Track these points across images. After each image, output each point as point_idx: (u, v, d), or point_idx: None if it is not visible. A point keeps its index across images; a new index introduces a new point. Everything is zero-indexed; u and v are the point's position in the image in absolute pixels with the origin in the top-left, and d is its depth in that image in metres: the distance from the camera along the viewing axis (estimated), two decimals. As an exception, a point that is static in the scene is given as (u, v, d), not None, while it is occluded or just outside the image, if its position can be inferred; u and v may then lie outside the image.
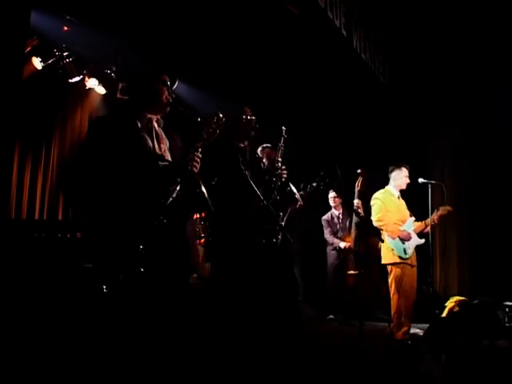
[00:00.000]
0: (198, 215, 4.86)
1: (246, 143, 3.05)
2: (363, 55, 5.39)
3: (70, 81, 5.02)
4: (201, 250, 4.90)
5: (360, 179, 4.97)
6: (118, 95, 4.99)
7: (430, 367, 3.15)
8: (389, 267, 4.27)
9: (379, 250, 4.43)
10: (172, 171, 2.20)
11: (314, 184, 3.61)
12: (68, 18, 4.46)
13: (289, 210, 3.22)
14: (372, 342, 3.94)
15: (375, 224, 4.34)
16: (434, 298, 4.44)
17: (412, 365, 3.33)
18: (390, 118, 6.32)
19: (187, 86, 5.28)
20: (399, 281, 4.14)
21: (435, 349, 3.25)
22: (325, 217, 5.94)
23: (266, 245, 2.83)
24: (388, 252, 4.27)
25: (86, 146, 2.29)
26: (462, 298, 4.14)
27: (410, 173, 4.46)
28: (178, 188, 2.20)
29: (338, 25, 4.77)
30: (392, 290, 4.20)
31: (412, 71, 6.23)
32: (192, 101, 5.12)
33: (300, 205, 3.32)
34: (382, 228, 4.30)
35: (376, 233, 4.35)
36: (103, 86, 5.23)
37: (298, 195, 3.27)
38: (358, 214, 4.76)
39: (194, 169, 2.21)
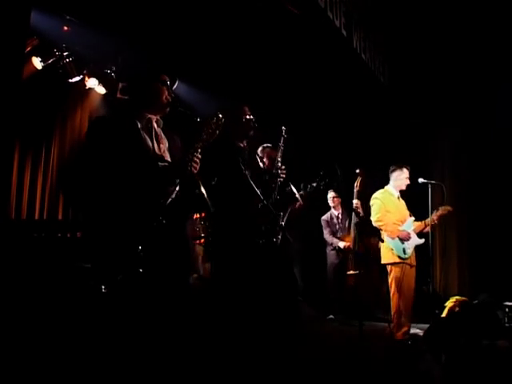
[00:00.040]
0: (198, 215, 4.86)
1: (244, 143, 3.05)
2: (363, 55, 5.39)
3: (70, 81, 5.02)
4: (201, 249, 4.90)
5: (359, 179, 4.97)
6: (118, 95, 4.99)
7: (430, 367, 3.15)
8: (388, 267, 4.28)
9: (379, 249, 4.43)
10: (171, 172, 2.20)
11: (314, 184, 3.61)
12: (68, 17, 4.46)
13: (289, 209, 3.22)
14: (372, 341, 3.94)
15: (374, 224, 4.34)
16: (434, 298, 4.44)
17: (412, 365, 3.33)
18: (390, 118, 6.32)
19: (187, 86, 5.27)
20: (399, 281, 4.15)
21: (435, 349, 3.25)
22: (324, 217, 5.94)
23: (265, 245, 2.83)
24: (387, 252, 4.27)
25: (86, 146, 2.29)
26: (462, 298, 4.14)
27: (410, 173, 4.47)
28: (177, 188, 2.20)
29: (338, 25, 4.77)
30: (392, 289, 4.20)
31: (412, 71, 6.23)
32: (192, 101, 5.11)
33: (300, 205, 3.32)
34: (382, 228, 4.30)
35: (375, 233, 4.35)
36: (103, 86, 5.23)
37: (297, 195, 3.27)
38: (357, 214, 4.76)
39: (194, 169, 2.20)
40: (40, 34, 4.47)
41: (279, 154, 3.12)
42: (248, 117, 2.99)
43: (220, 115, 2.31)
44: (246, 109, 3.02)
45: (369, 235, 5.10)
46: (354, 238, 5.20)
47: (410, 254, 4.25)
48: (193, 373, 2.25)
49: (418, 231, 4.36)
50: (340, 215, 5.91)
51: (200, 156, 2.24)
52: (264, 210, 2.77)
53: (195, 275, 4.58)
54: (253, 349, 2.60)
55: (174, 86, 2.41)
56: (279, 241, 2.90)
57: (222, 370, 2.43)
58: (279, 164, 3.09)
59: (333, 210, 5.95)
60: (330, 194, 5.90)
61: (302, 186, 3.83)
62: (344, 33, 4.89)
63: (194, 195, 2.20)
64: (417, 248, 4.36)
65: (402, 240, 4.24)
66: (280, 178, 3.04)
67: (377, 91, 6.00)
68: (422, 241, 4.35)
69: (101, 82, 5.17)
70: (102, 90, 5.28)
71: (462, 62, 6.01)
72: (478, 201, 6.09)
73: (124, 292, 1.97)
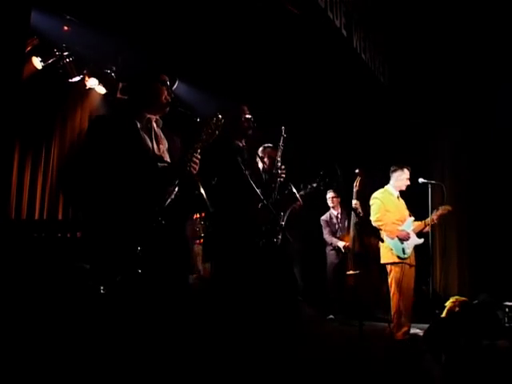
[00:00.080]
0: (198, 215, 4.87)
1: (243, 142, 3.05)
2: (363, 55, 5.39)
3: (70, 80, 5.02)
4: (200, 249, 4.90)
5: (358, 179, 4.97)
6: (118, 95, 4.99)
7: (430, 367, 3.15)
8: (388, 267, 4.28)
9: (379, 249, 4.44)
10: (170, 172, 2.19)
11: (314, 184, 3.61)
12: (68, 17, 4.46)
13: (289, 210, 3.22)
14: (372, 341, 3.94)
15: (374, 224, 4.34)
16: (434, 297, 4.43)
17: (412, 365, 3.33)
18: (390, 118, 6.32)
19: (187, 86, 5.27)
20: (399, 280, 4.15)
21: (435, 349, 3.25)
22: (323, 217, 5.94)
23: (266, 245, 2.83)
24: (387, 252, 4.28)
25: (86, 146, 2.28)
26: (462, 298, 4.14)
27: (410, 173, 4.47)
28: (176, 189, 2.19)
29: (338, 25, 4.77)
30: (392, 289, 4.20)
31: (412, 71, 6.23)
32: (192, 101, 5.11)
33: (300, 205, 3.32)
34: (381, 228, 4.30)
35: (375, 233, 4.35)
36: (103, 86, 5.23)
37: (298, 195, 3.27)
38: (357, 214, 4.76)
39: (193, 170, 2.19)
40: (40, 34, 4.47)
41: (279, 154, 3.12)
42: (247, 116, 2.99)
43: (220, 116, 2.30)
44: (245, 108, 3.02)
45: (368, 235, 5.10)
46: (354, 237, 5.20)
47: (409, 254, 4.25)
48: (193, 373, 2.25)
49: (417, 231, 4.36)
50: (339, 215, 5.91)
51: (199, 156, 2.24)
52: (264, 210, 2.77)
53: (195, 275, 4.58)
54: (253, 349, 2.60)
55: (174, 86, 2.41)
56: (279, 241, 2.90)
57: (222, 371, 2.43)
58: (279, 164, 3.09)
59: (332, 209, 5.96)
60: (329, 194, 5.90)
61: (301, 185, 3.83)
62: (344, 33, 4.89)
63: (193, 196, 2.19)
64: (417, 248, 4.36)
65: (402, 240, 4.25)
66: (280, 177, 3.04)
67: (377, 91, 6.00)
68: (421, 241, 4.35)
69: (101, 81, 5.17)
70: (102, 90, 5.28)
71: (461, 62, 6.01)
72: (478, 201, 6.09)
73: (123, 293, 1.97)
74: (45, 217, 5.12)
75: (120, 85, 4.99)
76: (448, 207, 4.34)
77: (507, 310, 4.44)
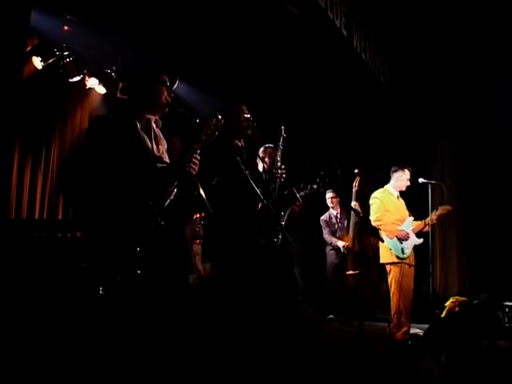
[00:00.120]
0: (198, 215, 4.87)
1: (242, 142, 3.04)
2: (363, 55, 5.39)
3: (70, 80, 5.02)
4: (199, 249, 4.90)
5: (357, 179, 4.97)
6: (118, 95, 4.99)
7: (430, 367, 3.15)
8: (388, 267, 4.28)
9: (378, 249, 4.44)
10: (170, 173, 2.18)
11: (315, 186, 3.60)
12: (68, 17, 4.46)
13: (289, 209, 3.22)
14: (372, 341, 3.94)
15: (373, 223, 4.34)
16: (434, 297, 4.43)
17: (412, 365, 3.33)
18: (390, 118, 6.32)
19: (187, 86, 5.27)
20: (399, 280, 4.15)
21: (435, 349, 3.25)
22: (323, 217, 5.95)
23: (266, 245, 2.83)
24: (386, 251, 4.28)
25: (86, 145, 2.28)
26: (462, 298, 4.14)
27: (410, 174, 4.47)
28: (175, 190, 2.19)
29: (339, 25, 4.76)
30: (392, 289, 4.20)
31: (412, 71, 6.23)
32: (192, 101, 5.11)
33: (300, 205, 3.31)
34: (380, 227, 4.30)
35: (375, 232, 4.35)
36: (103, 86, 5.23)
37: (298, 195, 3.26)
38: (357, 214, 4.76)
39: (192, 170, 2.19)
40: (40, 34, 4.47)
41: (279, 154, 3.12)
42: (246, 115, 2.98)
43: (219, 116, 2.30)
44: (244, 107, 3.01)
45: (368, 235, 5.10)
46: (353, 237, 5.20)
47: (408, 254, 4.25)
48: (193, 373, 2.25)
49: (417, 231, 4.36)
50: (339, 215, 5.92)
51: (199, 157, 2.23)
52: (264, 210, 2.77)
53: (195, 275, 4.58)
54: (253, 349, 2.60)
55: (174, 86, 2.40)
56: (279, 241, 2.90)
57: (222, 371, 2.43)
58: (279, 164, 3.09)
59: (331, 209, 5.96)
60: (329, 195, 5.90)
61: (301, 185, 3.82)
62: (344, 33, 4.89)
63: (192, 197, 2.18)
64: (417, 248, 4.36)
65: (401, 240, 4.25)
66: (280, 177, 3.03)
67: (377, 91, 6.00)
68: (420, 240, 4.35)
69: (101, 81, 5.18)
70: (102, 90, 5.28)
71: (461, 62, 6.01)
72: (478, 201, 6.08)
73: (122, 293, 1.96)
74: (45, 217, 5.12)
75: (120, 85, 4.99)
76: (448, 207, 4.34)
77: (507, 309, 4.44)
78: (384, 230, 4.28)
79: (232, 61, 5.06)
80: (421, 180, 4.39)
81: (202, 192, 2.17)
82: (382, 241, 4.25)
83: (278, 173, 3.03)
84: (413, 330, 4.34)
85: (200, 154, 2.24)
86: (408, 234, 4.28)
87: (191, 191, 2.17)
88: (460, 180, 6.31)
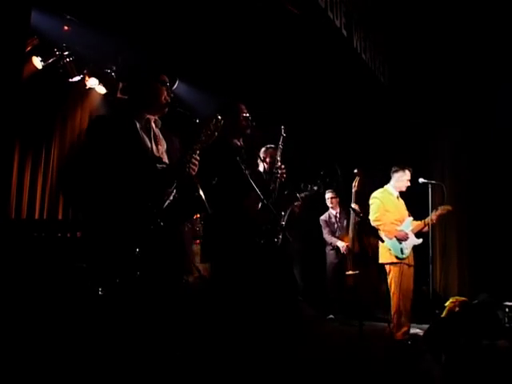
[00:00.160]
0: (198, 215, 4.86)
1: (241, 141, 3.04)
2: (363, 55, 5.39)
3: (71, 80, 5.02)
4: (198, 249, 4.89)
5: (357, 179, 4.97)
6: (119, 95, 4.99)
7: (430, 367, 3.15)
8: (387, 267, 4.28)
9: (378, 249, 4.43)
10: (169, 173, 2.18)
11: (315, 187, 3.60)
12: (68, 17, 4.46)
13: (289, 209, 3.22)
14: (372, 341, 3.94)
15: (372, 223, 4.33)
16: (434, 298, 4.43)
17: (412, 365, 3.33)
18: (390, 118, 6.32)
19: (187, 86, 5.27)
20: (398, 280, 4.15)
21: (435, 349, 3.25)
22: (322, 217, 5.95)
23: (266, 245, 2.83)
24: (385, 252, 4.28)
25: (85, 145, 2.27)
26: (462, 298, 4.14)
27: (411, 174, 4.47)
28: (174, 191, 2.18)
29: (339, 25, 4.76)
30: (392, 289, 4.20)
31: (412, 71, 6.23)
32: (192, 101, 5.11)
33: (300, 206, 3.32)
34: (380, 227, 4.30)
35: (374, 232, 4.35)
36: (103, 86, 5.23)
37: (298, 195, 3.26)
38: (358, 214, 4.76)
39: (192, 171, 2.18)
40: (40, 34, 4.47)
41: (279, 154, 3.12)
42: (245, 115, 2.98)
43: (219, 117, 2.29)
44: (243, 107, 3.01)
45: (368, 235, 5.10)
46: (353, 237, 5.20)
47: (407, 254, 4.25)
48: (193, 374, 2.25)
49: (416, 231, 4.36)
50: (338, 215, 5.92)
51: (198, 158, 2.23)
52: (264, 210, 2.77)
53: (195, 275, 4.58)
54: (253, 349, 2.60)
55: (174, 86, 2.40)
56: (279, 241, 2.90)
57: (222, 371, 2.43)
58: (279, 163, 3.09)
59: (331, 209, 5.96)
60: (328, 195, 5.90)
61: (302, 186, 3.83)
62: (344, 33, 4.89)
63: (192, 197, 2.18)
64: (417, 248, 4.36)
65: (400, 240, 4.24)
66: (280, 177, 3.03)
67: (377, 91, 6.00)
68: (419, 241, 4.35)
69: (101, 81, 5.18)
70: (102, 90, 5.28)
71: (461, 62, 6.01)
72: (478, 201, 6.08)
73: (121, 294, 1.96)
74: (45, 217, 5.12)
75: (120, 85, 4.99)
76: (448, 207, 4.34)
77: (507, 309, 4.43)
78: (383, 230, 4.28)
79: (232, 61, 5.06)
80: (421, 180, 4.39)
81: (201, 193, 2.17)
82: (382, 241, 4.24)
83: (278, 173, 3.03)
84: (413, 330, 4.34)
85: (199, 154, 2.23)
86: (407, 234, 4.28)
87: (191, 192, 2.16)
88: (460, 180, 6.31)
